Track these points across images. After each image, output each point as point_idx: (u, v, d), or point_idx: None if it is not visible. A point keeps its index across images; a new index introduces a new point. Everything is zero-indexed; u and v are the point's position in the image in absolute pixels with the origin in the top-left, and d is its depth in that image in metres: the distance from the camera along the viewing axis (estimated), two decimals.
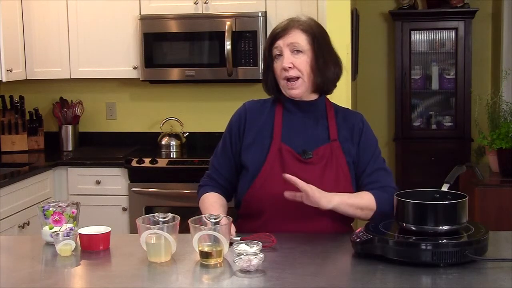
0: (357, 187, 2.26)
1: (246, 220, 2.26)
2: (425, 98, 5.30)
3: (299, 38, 2.19)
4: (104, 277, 1.88)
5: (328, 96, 2.33)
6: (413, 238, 1.86)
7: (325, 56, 2.22)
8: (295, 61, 2.18)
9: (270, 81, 2.26)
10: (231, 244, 1.96)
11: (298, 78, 2.19)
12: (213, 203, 2.27)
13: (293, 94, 2.22)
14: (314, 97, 2.27)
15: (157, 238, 1.94)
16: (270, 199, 2.20)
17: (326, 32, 2.28)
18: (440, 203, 1.92)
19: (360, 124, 2.30)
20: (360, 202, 2.16)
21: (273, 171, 2.21)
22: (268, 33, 4.05)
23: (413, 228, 1.90)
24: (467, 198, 1.93)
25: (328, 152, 2.23)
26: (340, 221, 2.24)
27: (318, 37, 2.21)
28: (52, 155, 4.38)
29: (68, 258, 2.01)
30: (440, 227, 1.87)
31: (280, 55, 2.20)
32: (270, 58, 2.24)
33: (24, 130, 4.53)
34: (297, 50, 2.18)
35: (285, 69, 2.18)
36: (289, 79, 2.19)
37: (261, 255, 1.85)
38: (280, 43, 2.20)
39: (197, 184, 2.41)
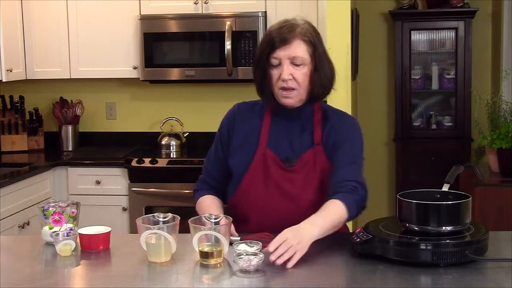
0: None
1: (235, 224, 2.24)
2: (425, 98, 5.29)
3: (300, 50, 2.11)
4: (104, 277, 1.88)
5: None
6: (414, 238, 1.86)
7: (324, 67, 2.17)
8: (294, 73, 2.12)
9: (267, 87, 2.17)
10: (231, 244, 1.96)
11: (294, 89, 2.14)
12: (210, 204, 2.26)
13: (287, 103, 2.17)
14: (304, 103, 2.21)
15: (157, 238, 1.94)
16: (252, 205, 2.19)
17: (320, 36, 2.21)
18: (444, 203, 1.91)
19: (345, 123, 2.23)
20: (335, 219, 2.01)
21: (256, 177, 2.19)
22: None
23: (416, 228, 1.89)
24: (471, 198, 1.93)
25: (312, 157, 2.19)
26: None
27: (318, 46, 2.15)
28: (52, 155, 4.39)
29: (68, 258, 2.01)
30: (443, 228, 1.87)
31: (279, 64, 2.13)
32: (266, 63, 2.16)
33: (24, 130, 4.54)
34: (297, 64, 2.12)
35: (283, 80, 2.12)
36: (285, 88, 2.14)
37: (261, 255, 1.85)
38: (280, 54, 2.12)
39: None
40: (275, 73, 2.14)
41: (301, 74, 2.13)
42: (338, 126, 2.21)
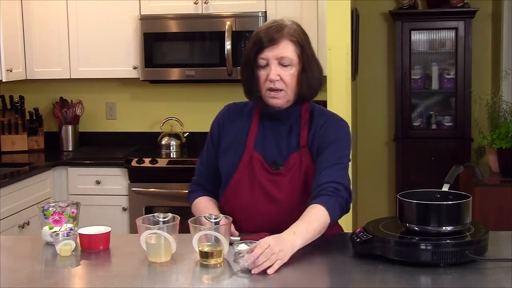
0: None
1: None
2: (425, 98, 5.29)
3: (288, 51, 2.10)
4: (104, 277, 1.88)
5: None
6: (414, 238, 1.86)
7: (312, 68, 2.15)
8: (282, 74, 2.11)
9: (255, 87, 2.17)
10: (231, 244, 1.96)
11: (281, 90, 2.13)
12: (206, 205, 2.26)
13: (275, 103, 2.15)
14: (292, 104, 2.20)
15: (157, 238, 1.94)
16: (239, 207, 2.19)
17: (308, 37, 2.19)
18: (444, 203, 1.91)
19: (331, 125, 2.19)
20: (317, 226, 1.98)
21: (242, 181, 2.19)
22: None
23: (416, 228, 1.89)
24: (471, 198, 1.93)
25: (298, 160, 2.17)
26: None
27: (306, 47, 2.14)
28: (52, 155, 4.39)
29: (68, 258, 2.01)
30: (444, 228, 1.87)
31: (267, 65, 2.12)
32: (254, 64, 2.14)
33: (24, 130, 4.54)
34: (285, 64, 2.11)
35: (271, 81, 2.11)
36: (272, 89, 2.13)
37: None
38: (268, 54, 2.10)
39: None
40: (262, 74, 2.13)
41: (289, 75, 2.12)
42: (324, 127, 2.18)
